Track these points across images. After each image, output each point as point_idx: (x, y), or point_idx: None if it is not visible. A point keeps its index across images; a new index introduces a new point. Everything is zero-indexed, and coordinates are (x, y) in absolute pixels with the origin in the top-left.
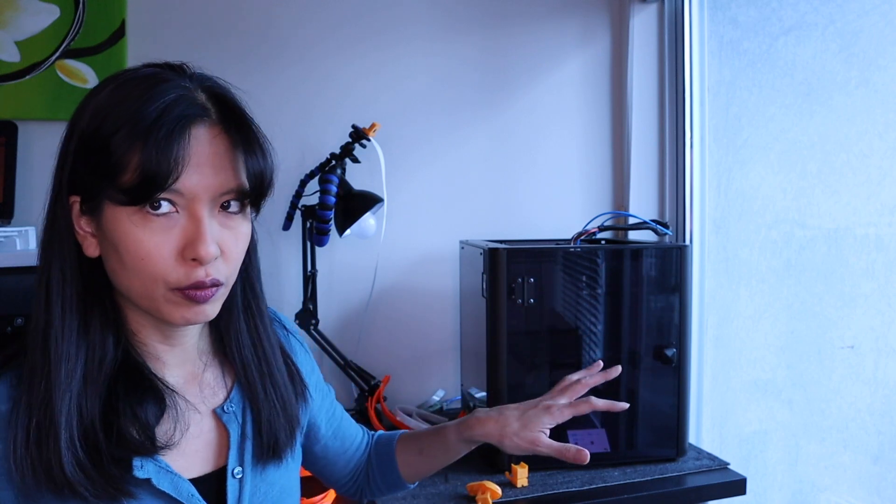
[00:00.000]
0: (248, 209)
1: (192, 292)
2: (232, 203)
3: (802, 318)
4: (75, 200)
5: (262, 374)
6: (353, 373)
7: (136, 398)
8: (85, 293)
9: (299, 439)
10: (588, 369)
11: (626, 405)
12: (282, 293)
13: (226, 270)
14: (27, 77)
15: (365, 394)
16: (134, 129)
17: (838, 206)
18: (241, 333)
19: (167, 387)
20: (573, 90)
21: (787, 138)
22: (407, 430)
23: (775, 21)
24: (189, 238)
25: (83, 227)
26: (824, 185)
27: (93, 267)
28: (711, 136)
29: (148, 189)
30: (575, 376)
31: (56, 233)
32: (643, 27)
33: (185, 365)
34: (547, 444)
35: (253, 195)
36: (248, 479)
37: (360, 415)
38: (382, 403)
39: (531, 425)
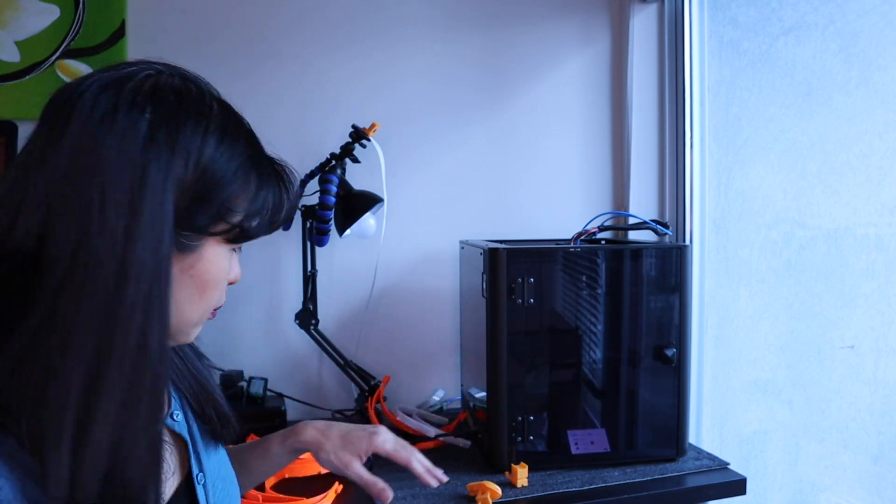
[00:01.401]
0: None
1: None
2: None
3: (802, 318)
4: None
5: (179, 358)
6: (353, 373)
7: None
8: None
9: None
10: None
11: (441, 480)
12: (282, 293)
13: None
14: (27, 77)
15: (365, 394)
16: (263, 174)
17: (838, 206)
18: None
19: None
20: (573, 90)
21: (787, 138)
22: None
23: (775, 21)
24: (234, 265)
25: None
26: (824, 185)
27: None
28: (711, 136)
29: (270, 227)
30: (415, 464)
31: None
32: (643, 27)
33: None
34: (357, 471)
35: None
36: (208, 480)
37: (360, 415)
38: (382, 403)
39: (350, 448)
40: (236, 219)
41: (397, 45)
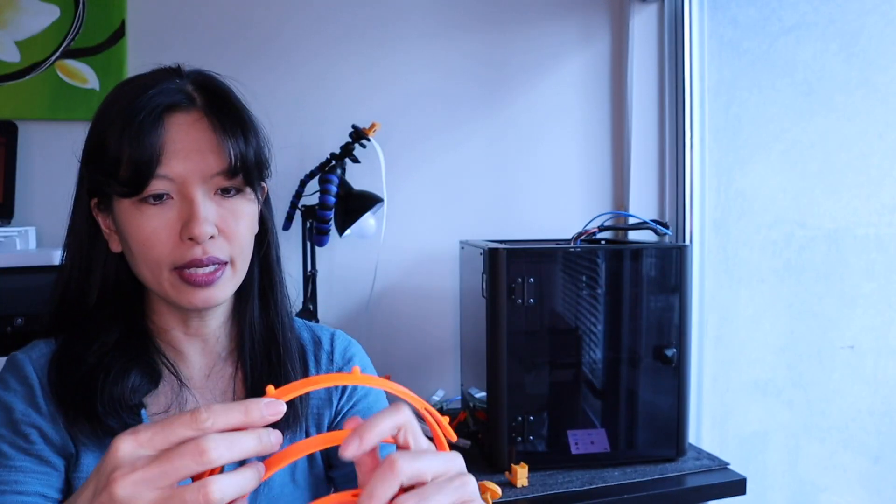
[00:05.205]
0: (250, 191)
1: (191, 274)
2: (229, 185)
3: (803, 318)
4: (94, 201)
5: (273, 376)
6: None
7: (125, 367)
8: (104, 287)
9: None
10: None
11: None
12: None
13: (228, 249)
14: (27, 77)
15: None
16: (123, 125)
17: (838, 206)
18: (255, 325)
19: (176, 375)
20: (573, 90)
21: (787, 138)
22: None
23: (775, 21)
24: (184, 219)
25: (108, 225)
26: (824, 185)
27: (120, 263)
28: (711, 136)
29: (138, 178)
30: None
31: (76, 234)
32: (643, 27)
33: (206, 357)
34: None
35: (243, 175)
36: (260, 497)
37: None
38: None
39: None
40: (114, 173)
41: (398, 45)
